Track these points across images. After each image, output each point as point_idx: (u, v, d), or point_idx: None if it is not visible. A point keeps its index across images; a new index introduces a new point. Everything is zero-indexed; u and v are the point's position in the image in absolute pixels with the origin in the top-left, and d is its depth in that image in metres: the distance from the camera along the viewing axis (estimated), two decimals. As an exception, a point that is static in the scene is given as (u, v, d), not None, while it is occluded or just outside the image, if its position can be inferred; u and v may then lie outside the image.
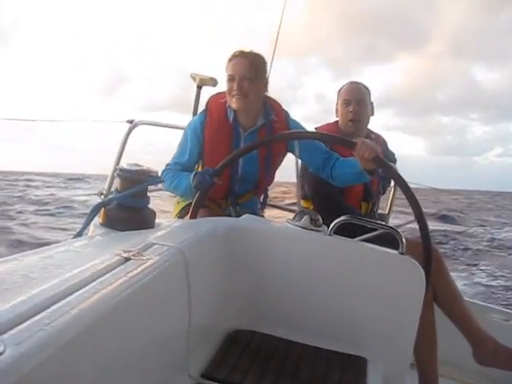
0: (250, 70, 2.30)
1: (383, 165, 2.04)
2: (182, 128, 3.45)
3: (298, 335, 1.73)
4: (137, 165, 1.63)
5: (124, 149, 2.66)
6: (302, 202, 2.84)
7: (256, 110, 2.41)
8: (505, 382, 2.51)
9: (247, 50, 2.38)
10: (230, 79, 2.32)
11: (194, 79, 3.08)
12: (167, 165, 2.45)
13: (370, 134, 2.81)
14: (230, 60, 2.35)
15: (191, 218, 1.97)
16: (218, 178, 2.04)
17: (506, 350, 2.22)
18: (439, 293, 2.26)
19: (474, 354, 2.25)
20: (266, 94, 2.45)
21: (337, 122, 2.80)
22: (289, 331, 1.74)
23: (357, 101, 2.70)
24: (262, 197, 2.67)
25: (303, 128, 2.48)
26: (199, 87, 3.06)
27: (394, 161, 2.99)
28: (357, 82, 2.80)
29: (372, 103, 2.79)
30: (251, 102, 2.34)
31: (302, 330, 1.75)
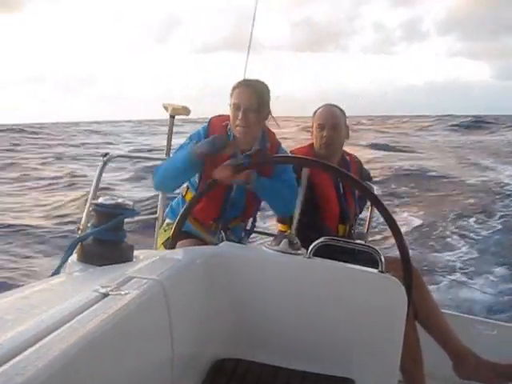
0: (255, 101, 2.40)
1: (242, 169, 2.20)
2: (156, 159, 3.44)
3: (284, 360, 1.72)
4: (112, 198, 1.62)
5: (99, 183, 2.64)
6: (279, 226, 2.85)
7: (254, 136, 2.51)
8: None
9: (252, 79, 2.52)
10: (235, 107, 2.42)
11: (167, 109, 3.09)
12: (156, 167, 2.56)
13: (345, 156, 2.85)
14: (235, 88, 2.45)
15: (173, 239, 2.03)
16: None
17: (486, 363, 2.25)
18: (419, 309, 2.28)
19: (455, 368, 2.27)
20: (266, 120, 2.55)
21: (311, 144, 2.82)
22: (274, 357, 1.73)
23: (331, 125, 2.73)
24: (249, 223, 2.71)
25: None
26: (172, 116, 3.07)
27: (370, 179, 3.02)
28: (331, 105, 2.83)
29: (347, 126, 2.82)
30: (252, 132, 2.46)
31: (287, 354, 1.74)
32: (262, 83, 2.53)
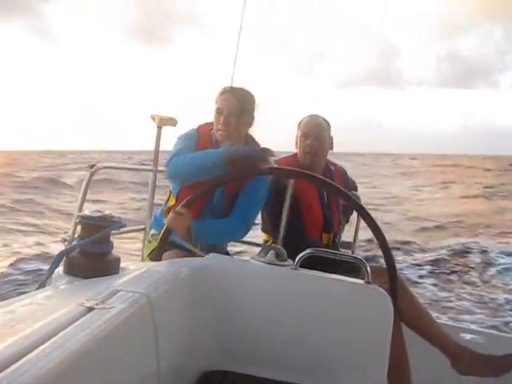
0: (237, 107, 2.47)
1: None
2: (143, 170, 3.43)
3: (271, 372, 1.72)
4: (98, 211, 1.62)
5: (86, 194, 2.64)
6: (263, 235, 2.85)
7: (236, 143, 2.51)
8: None
9: (239, 87, 2.58)
10: (218, 112, 2.50)
11: (154, 119, 3.09)
12: (172, 154, 2.49)
13: (330, 166, 2.86)
14: (220, 93, 2.53)
15: (158, 251, 2.05)
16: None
17: (482, 356, 2.32)
18: (409, 316, 2.31)
19: (453, 365, 2.33)
20: (250, 128, 2.60)
21: (295, 154, 2.84)
22: (261, 368, 1.73)
23: (315, 135, 2.74)
24: None
25: None
26: (159, 127, 3.08)
27: (355, 188, 3.04)
28: (317, 116, 2.85)
29: (331, 137, 2.84)
30: (233, 137, 2.49)
31: (274, 366, 1.74)
32: (247, 92, 2.58)
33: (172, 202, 2.57)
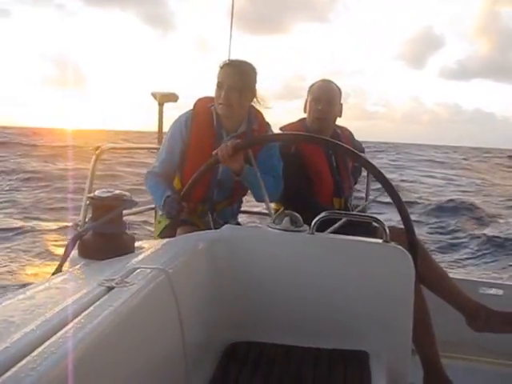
0: (239, 80, 2.41)
1: (251, 143, 2.22)
2: (148, 148, 3.40)
3: (296, 339, 1.71)
4: (108, 191, 1.60)
5: (94, 176, 2.62)
6: (273, 205, 2.83)
7: (239, 117, 2.50)
8: (504, 353, 2.55)
9: (239, 59, 2.51)
10: (219, 86, 2.43)
11: (155, 97, 3.06)
12: (153, 166, 2.55)
13: (337, 130, 2.82)
14: (221, 67, 2.46)
15: (170, 236, 1.96)
16: (187, 201, 2.16)
17: (498, 313, 2.31)
18: (425, 274, 2.29)
19: (469, 323, 2.33)
20: (252, 102, 2.54)
21: (303, 119, 2.80)
22: (286, 336, 1.72)
23: (326, 99, 2.70)
24: (236, 205, 2.69)
25: None
26: (161, 104, 3.04)
27: (363, 150, 3.00)
28: (329, 81, 2.80)
29: (341, 104, 2.80)
30: (235, 111, 2.44)
31: (298, 333, 1.73)
32: (248, 64, 2.51)
33: (178, 185, 2.54)
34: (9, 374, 0.69)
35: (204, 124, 2.49)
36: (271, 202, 2.57)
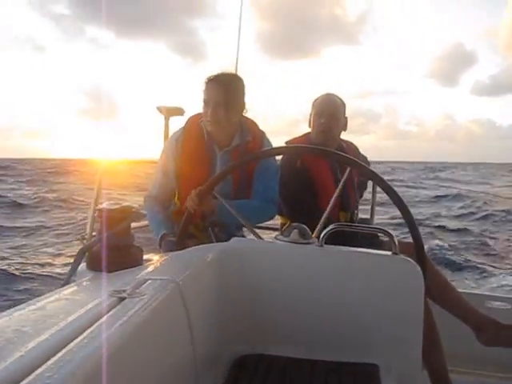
0: (224, 95, 2.34)
1: (213, 184, 2.06)
2: (151, 162, 3.41)
3: (306, 352, 1.70)
4: (116, 203, 1.60)
5: (100, 189, 2.63)
6: (279, 218, 2.82)
7: (230, 132, 2.45)
8: None
9: (224, 73, 2.43)
10: (205, 103, 2.38)
11: (161, 111, 3.07)
12: (149, 191, 2.53)
13: (342, 144, 2.82)
14: (205, 83, 2.39)
15: (177, 247, 1.96)
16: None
17: (507, 327, 2.27)
18: (432, 287, 2.27)
19: (478, 337, 2.30)
20: (244, 114, 2.49)
21: (308, 133, 2.80)
22: (295, 349, 1.70)
23: (329, 113, 2.70)
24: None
25: None
26: (167, 118, 3.06)
27: (367, 164, 3.00)
28: (332, 94, 2.81)
29: (346, 118, 2.80)
30: (223, 127, 2.39)
31: (308, 345, 1.71)
32: (233, 76, 2.48)
33: (177, 202, 2.49)
34: (25, 382, 0.68)
35: (196, 140, 2.46)
36: (260, 223, 2.60)
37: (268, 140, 2.55)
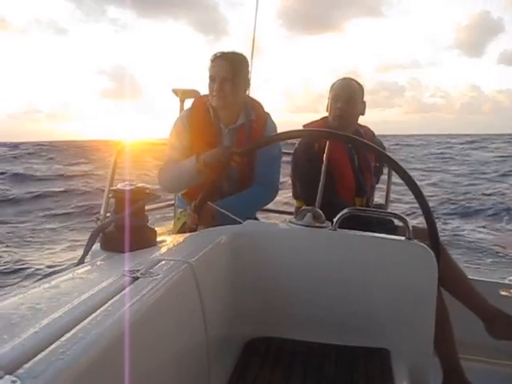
0: (230, 71, 2.40)
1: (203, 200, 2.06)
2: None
3: (317, 335, 1.70)
4: (131, 184, 1.60)
5: (115, 170, 2.64)
6: (295, 202, 2.82)
7: (236, 109, 2.50)
8: None
9: (229, 51, 2.47)
10: (212, 79, 2.43)
11: (176, 94, 3.07)
12: (166, 160, 2.55)
13: (359, 129, 2.80)
14: (211, 61, 2.45)
15: (198, 208, 2.01)
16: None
17: None
18: (444, 275, 2.25)
19: (487, 329, 2.28)
20: (247, 92, 2.56)
21: (326, 117, 2.78)
22: (307, 332, 1.70)
23: (346, 97, 2.68)
24: None
25: (276, 131, 2.58)
26: (182, 101, 3.05)
27: (384, 149, 2.97)
28: (350, 79, 2.78)
29: (364, 102, 2.77)
30: (230, 101, 2.44)
31: (319, 329, 1.72)
32: (238, 54, 2.51)
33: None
34: (39, 357, 0.69)
35: (202, 119, 2.50)
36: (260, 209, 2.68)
37: (272, 121, 2.60)
